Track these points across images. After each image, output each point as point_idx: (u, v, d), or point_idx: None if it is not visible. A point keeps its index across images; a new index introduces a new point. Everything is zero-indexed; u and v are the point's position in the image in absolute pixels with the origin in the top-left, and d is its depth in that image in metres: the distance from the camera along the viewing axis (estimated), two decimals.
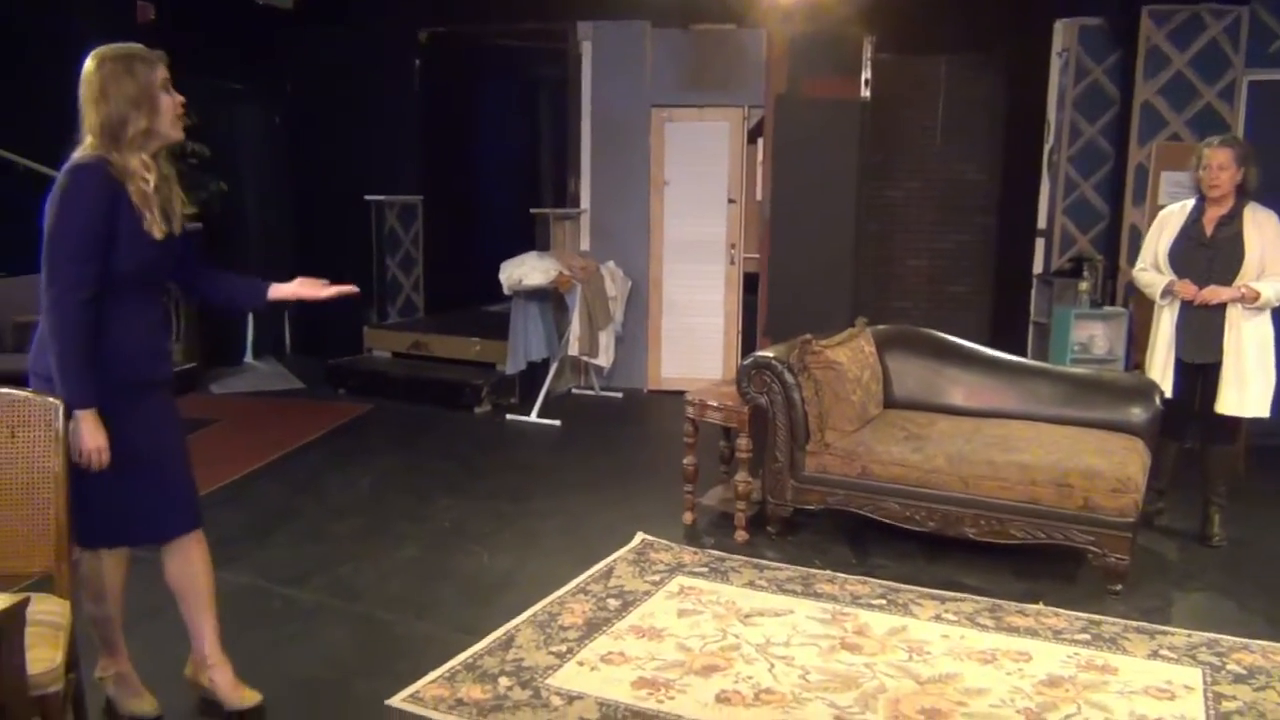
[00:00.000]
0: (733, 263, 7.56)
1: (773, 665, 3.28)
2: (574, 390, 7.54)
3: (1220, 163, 4.28)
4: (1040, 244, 6.87)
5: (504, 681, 3.14)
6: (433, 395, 7.08)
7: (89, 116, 2.59)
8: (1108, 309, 6.19)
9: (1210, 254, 4.36)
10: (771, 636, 3.49)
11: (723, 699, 3.05)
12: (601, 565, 4.12)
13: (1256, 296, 4.25)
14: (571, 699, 3.04)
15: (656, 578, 4.01)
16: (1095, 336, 6.11)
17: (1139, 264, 4.65)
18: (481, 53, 8.87)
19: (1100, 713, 3.01)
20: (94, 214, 2.54)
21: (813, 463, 4.36)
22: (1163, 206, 4.81)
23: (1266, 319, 4.37)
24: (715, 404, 4.54)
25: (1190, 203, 4.49)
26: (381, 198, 8.08)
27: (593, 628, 3.54)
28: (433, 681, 3.13)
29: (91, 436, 2.56)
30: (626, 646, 3.39)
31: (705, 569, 4.12)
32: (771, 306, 6.81)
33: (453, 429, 6.53)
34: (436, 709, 2.97)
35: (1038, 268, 6.86)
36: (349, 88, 8.21)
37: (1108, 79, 6.54)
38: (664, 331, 7.69)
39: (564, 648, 3.38)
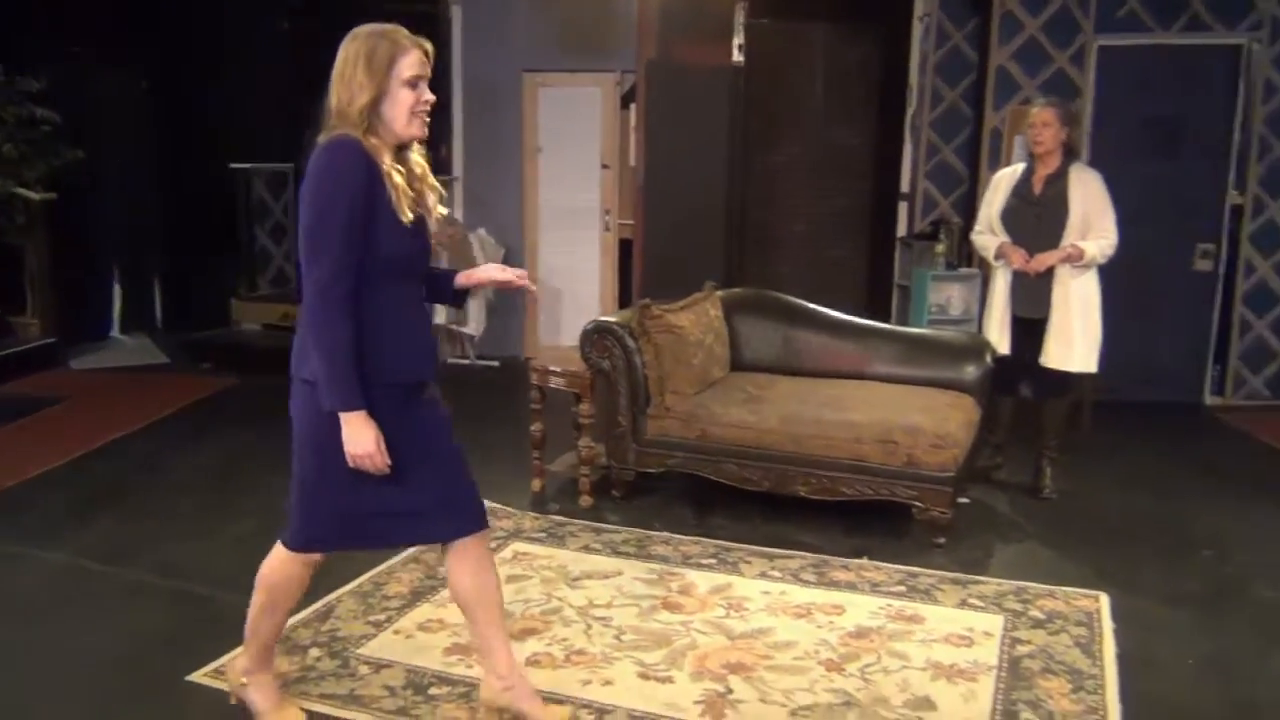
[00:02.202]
0: (608, 229, 7.54)
1: (589, 626, 3.30)
2: (450, 360, 7.46)
3: (1044, 120, 4.42)
4: (904, 208, 6.97)
5: (314, 653, 3.12)
6: None
7: (331, 95, 2.37)
8: (963, 270, 6.32)
9: (1038, 212, 4.49)
10: (594, 599, 3.51)
11: (532, 662, 3.06)
12: None
13: (1082, 255, 4.39)
14: (379, 667, 3.03)
15: (493, 544, 3.98)
16: (952, 297, 6.24)
17: (976, 227, 4.78)
18: (352, 17, 8.61)
19: (898, 660, 3.09)
20: (356, 194, 2.29)
21: (654, 426, 4.38)
22: None
23: (1093, 276, 4.51)
24: (558, 369, 4.53)
25: (1021, 166, 4.62)
26: (248, 165, 7.86)
27: (417, 596, 3.52)
28: (239, 655, 3.07)
29: (366, 441, 2.36)
30: (447, 614, 3.38)
31: (543, 534, 4.13)
32: (646, 272, 6.78)
33: None
34: None
35: (901, 231, 6.97)
36: (219, 53, 7.92)
37: (967, 44, 6.64)
38: (541, 299, 7.64)
39: (383, 617, 3.36)
